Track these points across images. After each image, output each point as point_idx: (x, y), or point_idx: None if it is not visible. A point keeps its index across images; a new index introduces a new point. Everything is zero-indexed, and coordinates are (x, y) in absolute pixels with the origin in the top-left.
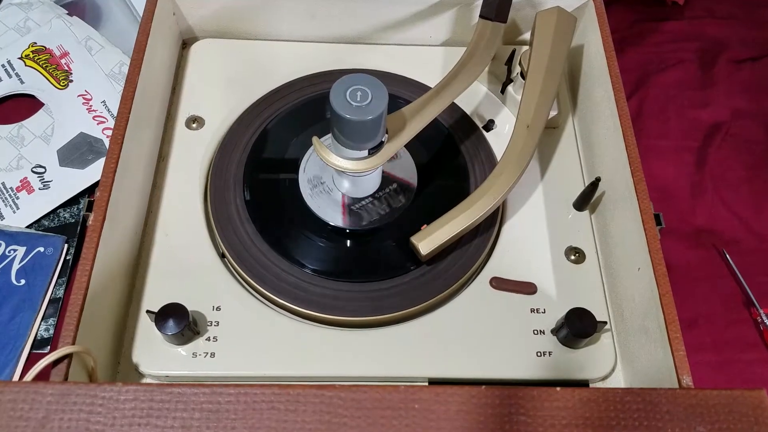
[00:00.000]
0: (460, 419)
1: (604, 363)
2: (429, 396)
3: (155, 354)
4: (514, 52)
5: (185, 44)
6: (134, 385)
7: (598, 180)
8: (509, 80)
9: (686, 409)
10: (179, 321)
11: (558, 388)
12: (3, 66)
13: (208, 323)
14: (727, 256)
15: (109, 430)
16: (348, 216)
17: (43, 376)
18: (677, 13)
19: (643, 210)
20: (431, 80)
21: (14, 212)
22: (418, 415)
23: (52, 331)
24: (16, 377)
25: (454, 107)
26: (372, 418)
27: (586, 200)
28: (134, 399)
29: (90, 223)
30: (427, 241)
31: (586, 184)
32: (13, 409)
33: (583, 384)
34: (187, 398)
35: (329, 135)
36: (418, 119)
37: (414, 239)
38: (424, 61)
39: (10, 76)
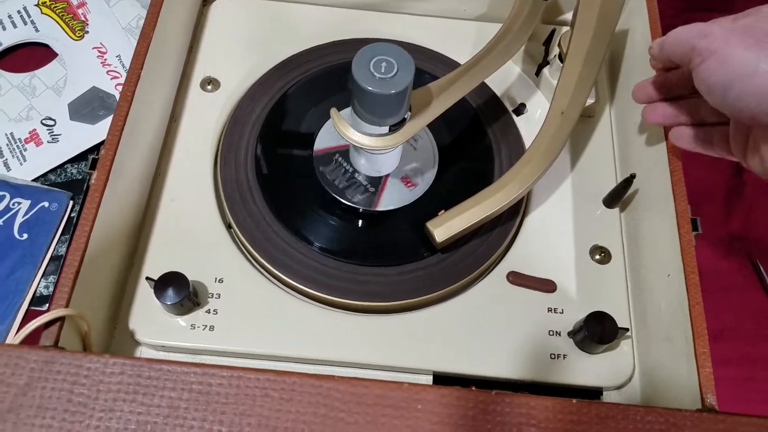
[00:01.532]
0: (465, 425)
1: (621, 371)
2: (434, 397)
3: (153, 322)
4: (553, 32)
5: (206, 2)
6: (122, 359)
7: (632, 176)
8: (545, 62)
9: None
10: (179, 291)
11: (574, 400)
12: (18, 12)
13: (210, 295)
14: (760, 267)
15: (92, 404)
16: (363, 196)
17: (33, 338)
18: (729, 3)
19: (680, 213)
20: (462, 57)
21: (21, 164)
22: (420, 416)
23: (51, 289)
24: (11, 334)
25: (483, 87)
26: (371, 415)
27: (617, 197)
28: (121, 373)
29: (92, 182)
30: (444, 228)
31: (619, 180)
32: None
33: (597, 391)
34: (177, 377)
35: (349, 108)
36: (444, 97)
37: (430, 225)
38: (456, 35)
39: (25, 23)
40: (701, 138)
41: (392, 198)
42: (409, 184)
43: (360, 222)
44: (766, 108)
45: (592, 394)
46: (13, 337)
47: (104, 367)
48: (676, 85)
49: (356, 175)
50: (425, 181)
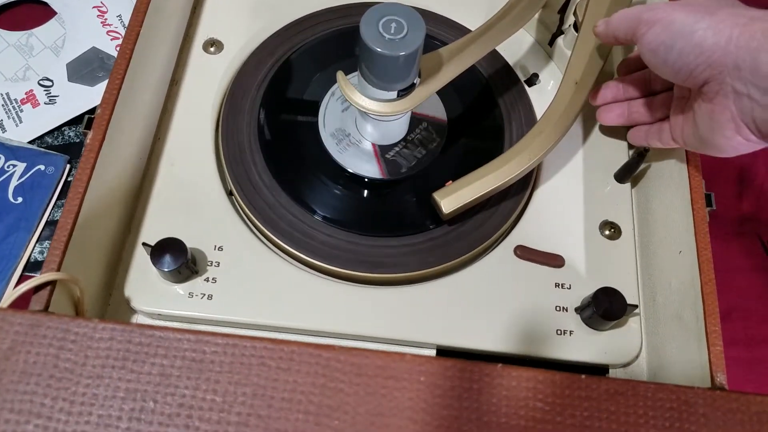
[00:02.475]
0: (469, 398)
1: (628, 348)
2: (437, 369)
3: (149, 290)
4: (569, 0)
5: None
6: (112, 323)
7: (646, 151)
8: (560, 31)
9: (725, 414)
10: (177, 257)
11: (583, 376)
12: None
13: (208, 263)
14: None
15: (79, 370)
16: (368, 164)
17: (24, 303)
18: None
19: (694, 188)
20: (472, 23)
21: (17, 126)
22: (423, 388)
23: (46, 254)
24: (5, 299)
25: (495, 55)
26: (372, 387)
27: (629, 172)
28: (110, 338)
29: (87, 141)
30: (451, 198)
31: (632, 154)
32: None
33: (603, 369)
34: (169, 343)
35: (356, 73)
36: (455, 63)
37: (436, 195)
38: (467, 1)
39: None
40: (654, 132)
41: (398, 166)
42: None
43: (364, 191)
44: (702, 62)
45: (598, 371)
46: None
47: (93, 332)
48: (630, 86)
49: (362, 142)
50: (432, 152)
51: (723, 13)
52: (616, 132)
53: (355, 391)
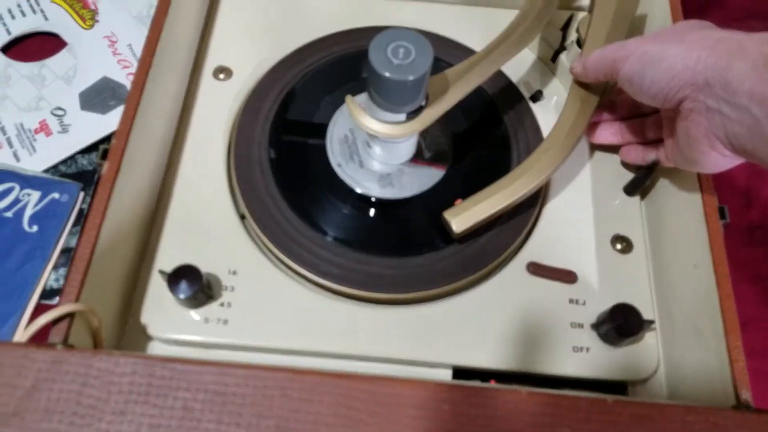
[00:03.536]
0: (494, 426)
1: (646, 364)
2: (459, 397)
3: (165, 316)
4: (571, 17)
5: None
6: (133, 357)
7: (655, 164)
8: (562, 48)
9: None
10: (192, 284)
11: (609, 400)
12: (28, 1)
13: (223, 288)
14: None
15: (102, 406)
16: (378, 185)
17: (43, 334)
18: None
19: (707, 202)
20: (476, 44)
21: (30, 155)
22: (446, 417)
23: (62, 282)
24: (21, 328)
25: (499, 74)
26: (394, 417)
27: (639, 185)
28: (132, 372)
29: (103, 172)
30: (462, 217)
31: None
32: None
33: (621, 385)
34: (191, 377)
35: (363, 94)
36: (462, 84)
37: (447, 215)
38: (470, 22)
39: (34, 11)
40: (650, 151)
41: (407, 187)
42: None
43: (375, 211)
44: (674, 85)
45: (617, 387)
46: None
47: (115, 367)
48: (621, 106)
49: (371, 164)
50: (441, 170)
51: (691, 38)
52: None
53: (377, 421)
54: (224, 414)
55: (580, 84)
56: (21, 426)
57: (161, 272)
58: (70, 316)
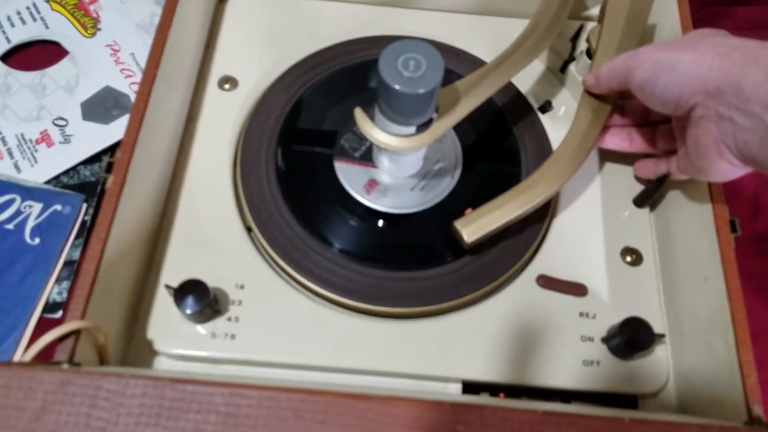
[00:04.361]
0: None
1: (656, 377)
2: (476, 418)
3: (172, 331)
4: (581, 27)
5: None
6: (143, 379)
7: (666, 176)
8: (572, 58)
9: None
10: (199, 299)
11: (626, 419)
12: (28, 8)
13: (231, 302)
14: None
15: (112, 429)
16: (371, 193)
17: (48, 351)
18: None
19: (718, 214)
20: (485, 54)
21: (32, 166)
22: None
23: (65, 295)
24: (23, 342)
25: (508, 84)
26: None
27: (648, 197)
28: (143, 395)
29: (108, 186)
30: (473, 227)
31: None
32: (5, 396)
33: (631, 398)
34: (203, 398)
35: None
36: (472, 96)
37: (457, 224)
38: (479, 31)
39: (34, 19)
40: (662, 164)
41: (416, 199)
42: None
43: (383, 224)
44: (687, 91)
45: (626, 400)
46: (24, 351)
47: (125, 389)
48: (631, 112)
49: (379, 176)
50: (450, 182)
51: (704, 45)
52: (632, 157)
53: None
54: None
55: (592, 94)
56: None
57: (167, 287)
58: (76, 333)
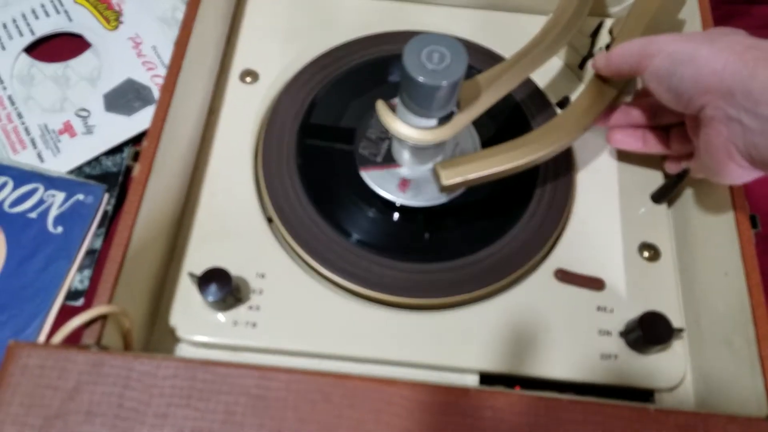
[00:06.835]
0: None
1: (673, 372)
2: (503, 404)
3: (194, 319)
4: (600, 24)
5: None
6: (174, 361)
7: (685, 172)
8: (590, 54)
9: None
10: (222, 287)
11: (652, 409)
12: (51, 1)
13: (252, 291)
14: None
15: (144, 409)
16: (405, 191)
17: (72, 338)
18: None
19: (738, 209)
20: (504, 49)
21: (55, 156)
22: (489, 425)
23: (86, 283)
24: (45, 329)
25: (526, 80)
26: (437, 423)
27: (667, 192)
28: (174, 376)
29: (135, 174)
30: (452, 171)
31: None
32: (40, 376)
33: (648, 393)
34: (233, 380)
35: (393, 99)
36: (493, 90)
37: (438, 166)
38: (499, 27)
39: (58, 12)
40: (685, 163)
41: (435, 193)
42: None
43: (403, 217)
44: (700, 88)
45: (643, 395)
46: (46, 334)
47: (156, 370)
48: (636, 114)
49: (399, 169)
50: None
51: (723, 42)
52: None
53: (419, 428)
54: (266, 418)
55: (601, 78)
56: (63, 428)
57: (191, 275)
58: (103, 318)
